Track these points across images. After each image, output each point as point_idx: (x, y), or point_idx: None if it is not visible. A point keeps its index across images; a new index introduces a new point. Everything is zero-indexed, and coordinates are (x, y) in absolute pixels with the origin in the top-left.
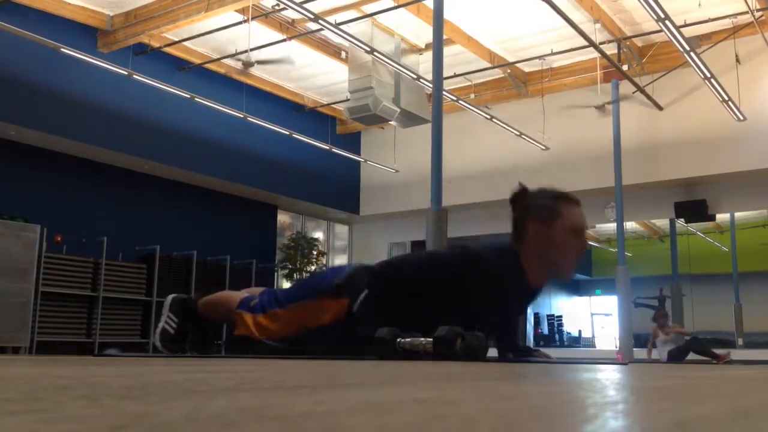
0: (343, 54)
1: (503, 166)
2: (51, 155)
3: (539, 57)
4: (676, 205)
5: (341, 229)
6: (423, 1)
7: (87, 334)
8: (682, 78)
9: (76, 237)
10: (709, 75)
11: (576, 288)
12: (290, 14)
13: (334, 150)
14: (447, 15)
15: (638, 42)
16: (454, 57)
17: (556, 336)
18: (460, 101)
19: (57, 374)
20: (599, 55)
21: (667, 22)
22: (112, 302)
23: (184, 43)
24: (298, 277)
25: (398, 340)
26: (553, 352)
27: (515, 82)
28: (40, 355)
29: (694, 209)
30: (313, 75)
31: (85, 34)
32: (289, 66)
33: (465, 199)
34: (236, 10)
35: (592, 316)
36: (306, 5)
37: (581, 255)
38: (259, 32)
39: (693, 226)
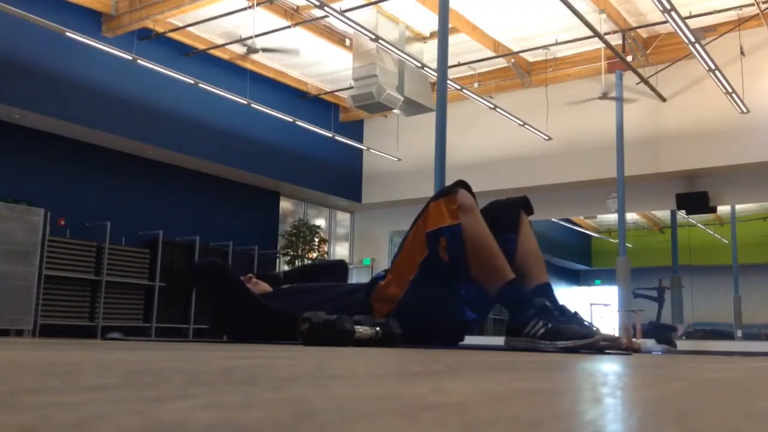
0: (348, 41)
1: (505, 156)
2: (55, 139)
3: (543, 47)
4: (677, 196)
5: (343, 217)
6: None
7: (90, 317)
8: (686, 69)
9: (79, 221)
10: (713, 67)
11: (576, 278)
12: (295, 0)
13: (337, 138)
14: (452, 3)
15: (643, 33)
16: (459, 46)
17: None
18: (463, 90)
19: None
20: (603, 45)
21: (672, 13)
22: (115, 286)
23: (189, 28)
24: (299, 264)
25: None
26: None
27: (519, 72)
28: (44, 338)
29: (696, 201)
30: (317, 62)
31: (90, 18)
32: (294, 55)
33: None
34: None
35: (591, 306)
36: None
37: None
38: (264, 19)
39: (693, 218)
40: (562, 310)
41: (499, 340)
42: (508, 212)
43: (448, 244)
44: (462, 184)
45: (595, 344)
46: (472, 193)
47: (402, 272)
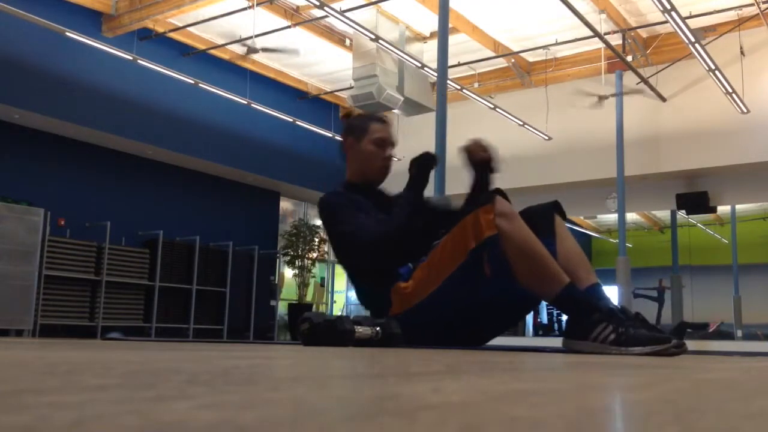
0: (348, 41)
1: (506, 156)
2: (54, 139)
3: (543, 47)
4: (677, 196)
5: None
6: None
7: (90, 317)
8: (686, 70)
9: (79, 221)
10: (713, 67)
11: None
12: (295, 0)
13: (337, 138)
14: (452, 3)
15: (643, 33)
16: (459, 46)
17: (555, 326)
18: (463, 90)
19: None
20: (603, 45)
21: (672, 13)
22: (115, 286)
23: (189, 28)
24: (299, 264)
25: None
26: (554, 342)
27: (519, 72)
28: (44, 338)
29: (696, 201)
30: (317, 62)
31: (90, 18)
32: (294, 55)
33: (467, 188)
34: None
35: None
36: None
37: (387, 163)
38: (264, 19)
39: (693, 218)
40: (624, 311)
41: (499, 341)
42: (543, 217)
43: (490, 257)
44: (498, 192)
45: (670, 350)
46: (509, 200)
47: (425, 281)
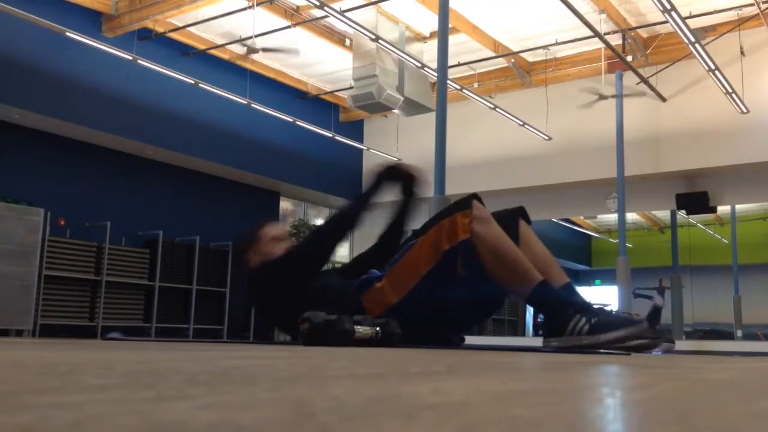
0: (348, 41)
1: (506, 156)
2: (54, 139)
3: (543, 47)
4: (677, 196)
5: None
6: None
7: (90, 317)
8: (686, 69)
9: (79, 221)
10: (713, 67)
11: (575, 278)
12: (295, 0)
13: (337, 138)
14: (452, 3)
15: (643, 33)
16: (459, 46)
17: None
18: (463, 90)
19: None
20: (603, 45)
21: (672, 13)
22: (115, 286)
23: (189, 28)
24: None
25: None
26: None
27: (519, 72)
28: (44, 338)
29: (696, 201)
30: (317, 62)
31: (90, 18)
32: (294, 55)
33: (467, 188)
34: None
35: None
36: None
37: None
38: (264, 19)
39: (693, 218)
40: (601, 308)
41: (499, 341)
42: (507, 221)
43: (464, 259)
44: (475, 197)
45: (644, 332)
46: (484, 205)
47: (401, 280)
